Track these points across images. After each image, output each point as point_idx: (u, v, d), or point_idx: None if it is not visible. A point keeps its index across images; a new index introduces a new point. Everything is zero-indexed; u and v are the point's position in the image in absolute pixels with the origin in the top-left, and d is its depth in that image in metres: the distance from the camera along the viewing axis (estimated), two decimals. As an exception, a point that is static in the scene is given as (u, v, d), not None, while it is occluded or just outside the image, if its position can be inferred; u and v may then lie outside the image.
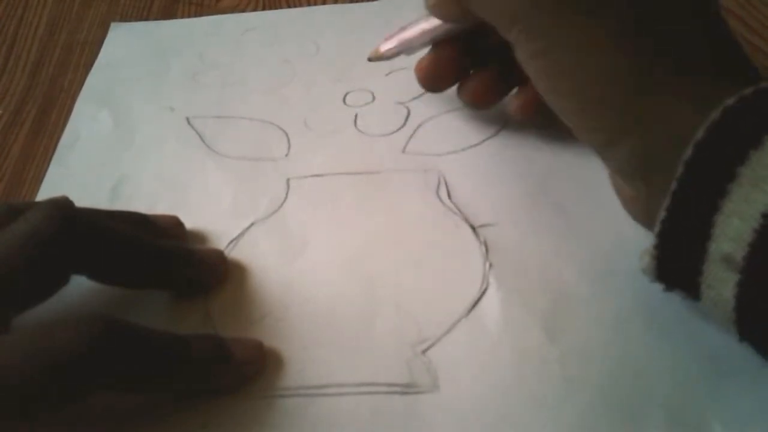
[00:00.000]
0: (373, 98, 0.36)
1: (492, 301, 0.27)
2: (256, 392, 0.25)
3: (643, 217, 0.25)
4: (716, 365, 0.24)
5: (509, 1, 0.25)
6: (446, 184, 0.32)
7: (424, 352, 0.26)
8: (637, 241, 0.25)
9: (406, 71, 0.37)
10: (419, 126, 0.35)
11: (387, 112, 0.35)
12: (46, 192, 0.33)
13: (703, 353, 0.24)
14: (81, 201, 0.26)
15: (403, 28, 0.32)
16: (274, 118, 0.36)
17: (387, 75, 0.38)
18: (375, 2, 0.43)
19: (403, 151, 0.34)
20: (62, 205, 0.25)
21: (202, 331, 0.26)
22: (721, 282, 0.22)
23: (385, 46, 0.33)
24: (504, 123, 0.34)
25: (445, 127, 0.34)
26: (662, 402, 0.24)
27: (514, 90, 0.33)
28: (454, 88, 0.33)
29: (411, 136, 0.34)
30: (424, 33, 0.31)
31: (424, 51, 0.32)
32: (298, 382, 0.25)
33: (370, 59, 0.34)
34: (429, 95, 0.35)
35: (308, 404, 0.24)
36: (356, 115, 0.36)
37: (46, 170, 0.34)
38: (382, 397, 0.24)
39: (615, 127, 0.24)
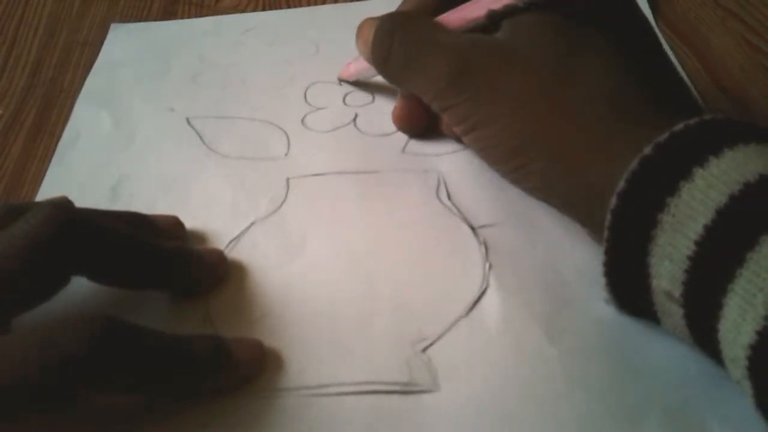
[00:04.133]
0: (373, 99, 0.37)
1: (492, 301, 0.27)
2: (256, 392, 0.25)
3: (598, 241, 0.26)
4: (715, 365, 0.24)
5: (435, 93, 0.28)
6: (446, 184, 0.32)
7: (424, 350, 0.26)
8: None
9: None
10: (419, 126, 0.35)
11: (387, 113, 0.35)
12: (46, 192, 0.33)
13: (702, 354, 0.24)
14: (81, 201, 0.26)
15: (358, 57, 0.35)
16: (273, 118, 0.36)
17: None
18: (375, 2, 0.43)
19: (403, 151, 0.34)
20: (62, 205, 0.25)
21: (202, 331, 0.26)
22: (670, 313, 0.23)
23: (346, 72, 0.37)
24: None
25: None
26: (661, 402, 0.24)
27: None
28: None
29: (410, 137, 0.34)
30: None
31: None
32: (298, 382, 0.25)
33: (339, 79, 0.38)
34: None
35: (308, 404, 0.24)
36: (356, 115, 0.36)
37: (46, 170, 0.34)
38: (382, 395, 0.24)
39: (543, 188, 0.26)
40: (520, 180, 0.27)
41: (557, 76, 0.26)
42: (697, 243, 0.21)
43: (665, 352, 0.25)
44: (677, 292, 0.22)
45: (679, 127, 0.22)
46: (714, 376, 0.24)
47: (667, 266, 0.22)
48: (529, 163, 0.26)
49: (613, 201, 0.23)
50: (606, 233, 0.23)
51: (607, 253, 0.24)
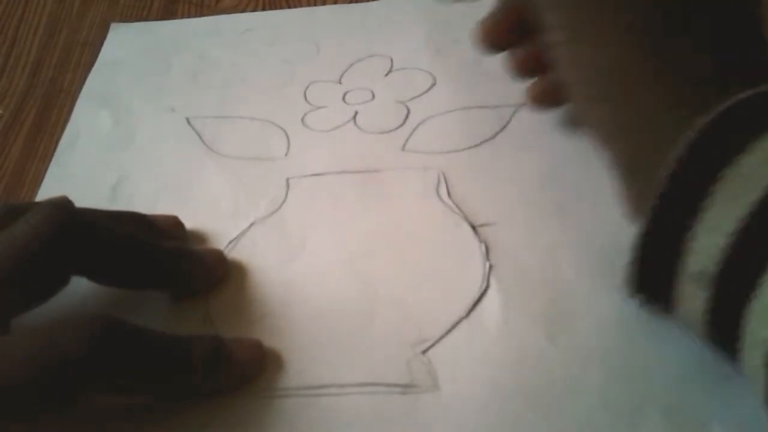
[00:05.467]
0: (373, 97, 0.36)
1: (492, 302, 0.27)
2: (256, 392, 0.25)
3: (633, 214, 0.25)
4: (716, 366, 0.24)
5: None
6: (446, 182, 0.32)
7: (424, 352, 0.26)
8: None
9: (405, 71, 0.38)
10: (419, 124, 0.35)
11: (387, 111, 0.35)
12: (46, 192, 0.33)
13: (703, 354, 0.24)
14: (81, 201, 0.26)
15: None
16: (273, 118, 0.36)
17: (386, 75, 0.38)
18: (375, 2, 0.43)
19: (403, 148, 0.34)
20: (62, 205, 0.25)
21: (202, 331, 0.26)
22: (693, 298, 0.22)
23: None
24: (504, 123, 0.34)
25: (445, 126, 0.34)
26: (661, 403, 0.24)
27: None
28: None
29: (411, 134, 0.34)
30: None
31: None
32: (298, 382, 0.25)
33: None
34: (429, 95, 0.35)
35: (308, 404, 0.24)
36: (356, 113, 0.36)
37: (46, 170, 0.34)
38: (382, 397, 0.24)
39: (610, 123, 0.25)
40: (587, 112, 0.26)
41: (669, 19, 0.24)
42: (740, 219, 0.21)
43: (665, 352, 0.25)
44: (715, 268, 0.21)
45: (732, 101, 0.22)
46: (715, 376, 0.24)
47: (707, 242, 0.21)
48: (601, 100, 0.25)
49: (669, 167, 0.22)
50: (653, 202, 0.22)
51: (649, 223, 0.23)
